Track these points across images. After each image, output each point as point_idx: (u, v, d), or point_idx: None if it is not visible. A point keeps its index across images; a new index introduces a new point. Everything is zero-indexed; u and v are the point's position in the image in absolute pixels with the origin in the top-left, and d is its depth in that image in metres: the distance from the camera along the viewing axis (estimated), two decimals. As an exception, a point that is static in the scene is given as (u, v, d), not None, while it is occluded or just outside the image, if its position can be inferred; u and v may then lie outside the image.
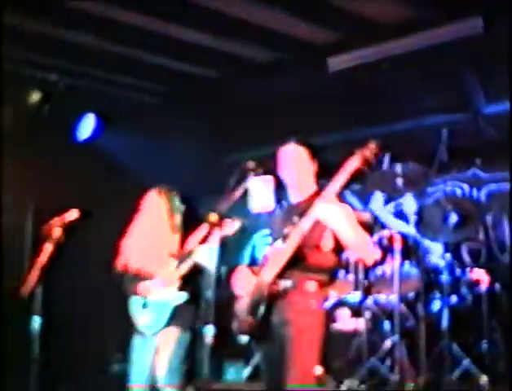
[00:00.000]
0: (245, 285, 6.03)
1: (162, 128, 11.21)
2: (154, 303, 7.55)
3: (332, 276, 6.20)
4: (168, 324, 7.61)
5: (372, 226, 9.84)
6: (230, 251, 6.47)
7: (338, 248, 5.92)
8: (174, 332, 7.57)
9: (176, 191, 7.99)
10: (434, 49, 9.31)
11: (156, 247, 7.77)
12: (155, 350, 7.62)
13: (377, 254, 6.18)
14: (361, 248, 5.89)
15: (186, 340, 7.62)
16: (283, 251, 5.83)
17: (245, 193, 6.26)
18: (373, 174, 9.24)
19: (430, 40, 9.30)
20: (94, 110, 10.77)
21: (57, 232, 8.03)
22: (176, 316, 7.59)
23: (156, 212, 7.85)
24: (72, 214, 8.10)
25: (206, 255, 6.63)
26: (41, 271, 7.99)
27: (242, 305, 6.01)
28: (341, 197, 5.87)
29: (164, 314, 7.59)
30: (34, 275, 7.98)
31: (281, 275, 5.84)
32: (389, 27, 9.53)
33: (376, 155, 5.80)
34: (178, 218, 7.81)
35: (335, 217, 5.70)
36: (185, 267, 7.53)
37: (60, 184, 10.14)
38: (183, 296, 7.49)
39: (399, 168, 9.07)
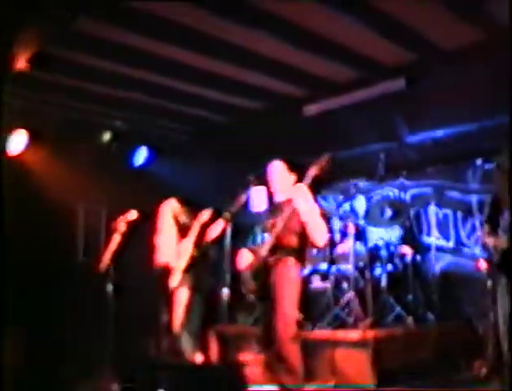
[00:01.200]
0: (247, 261, 6.16)
1: (192, 157, 11.24)
2: None
3: (305, 253, 6.32)
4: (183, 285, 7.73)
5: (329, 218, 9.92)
6: (238, 237, 6.54)
7: (306, 234, 6.06)
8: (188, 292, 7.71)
9: (189, 200, 8.09)
10: (374, 99, 9.37)
11: (169, 244, 7.88)
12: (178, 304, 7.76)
13: (325, 239, 6.30)
14: (316, 231, 5.97)
15: (201, 298, 7.73)
16: (271, 235, 5.97)
17: (249, 198, 6.38)
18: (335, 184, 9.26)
19: (371, 93, 9.36)
20: (146, 144, 10.78)
21: (122, 227, 8.17)
22: (188, 280, 7.71)
23: (167, 217, 7.96)
24: (133, 215, 8.23)
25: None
26: (112, 254, 8.14)
27: (246, 274, 6.14)
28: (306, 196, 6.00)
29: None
30: (107, 256, 8.11)
31: (271, 252, 5.99)
32: (342, 84, 9.63)
33: (327, 165, 5.97)
34: (184, 220, 7.90)
35: (305, 201, 5.85)
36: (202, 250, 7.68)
37: (123, 195, 10.17)
38: None
39: (352, 183, 9.11)
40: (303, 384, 6.02)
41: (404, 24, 7.77)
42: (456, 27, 7.79)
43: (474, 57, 8.18)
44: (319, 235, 6.03)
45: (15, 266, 9.09)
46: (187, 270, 7.81)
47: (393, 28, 7.86)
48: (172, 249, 7.93)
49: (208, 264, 7.84)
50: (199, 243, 7.76)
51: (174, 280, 7.85)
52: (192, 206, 8.09)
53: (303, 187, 5.96)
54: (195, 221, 7.90)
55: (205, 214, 7.33)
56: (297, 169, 6.38)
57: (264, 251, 6.02)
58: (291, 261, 6.03)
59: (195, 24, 7.70)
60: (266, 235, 6.10)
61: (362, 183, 9.48)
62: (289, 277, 5.99)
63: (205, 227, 7.62)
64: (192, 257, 7.79)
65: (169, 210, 8.03)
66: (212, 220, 7.10)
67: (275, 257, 5.99)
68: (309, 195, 5.99)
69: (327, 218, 9.05)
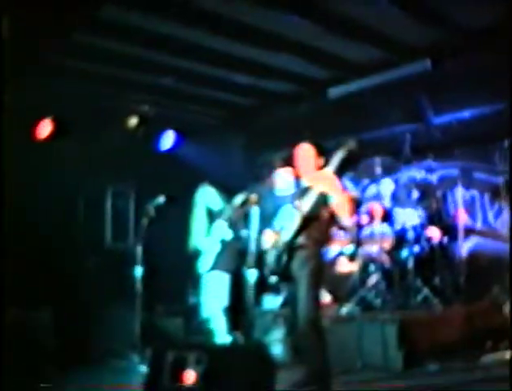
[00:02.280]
0: (271, 243, 6.23)
1: (221, 141, 11.31)
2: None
3: (331, 234, 6.39)
4: (213, 268, 7.86)
5: (360, 201, 9.96)
6: (264, 220, 6.59)
7: (332, 216, 6.12)
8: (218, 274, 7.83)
9: (219, 184, 8.18)
10: (400, 80, 9.43)
11: (198, 225, 8.01)
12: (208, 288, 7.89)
13: (351, 215, 6.36)
14: (342, 208, 6.01)
15: (226, 281, 7.85)
16: (296, 219, 6.04)
17: (275, 179, 6.43)
18: (361, 166, 9.29)
19: (397, 75, 9.40)
20: (174, 128, 10.86)
21: (151, 211, 8.30)
22: (220, 262, 7.83)
23: (200, 201, 8.07)
24: (160, 199, 8.35)
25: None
26: (141, 236, 8.27)
27: (271, 256, 6.21)
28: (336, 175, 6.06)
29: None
30: (137, 239, 8.26)
31: (297, 235, 6.06)
32: (368, 66, 9.67)
33: (354, 148, 6.01)
34: (217, 204, 8.01)
35: (331, 185, 5.90)
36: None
37: (152, 178, 10.27)
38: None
39: (379, 160, 9.11)
40: (330, 365, 6.09)
41: (430, 4, 7.80)
42: (482, 7, 7.79)
43: (499, 37, 8.15)
44: (346, 212, 6.09)
45: (44, 250, 9.25)
46: (219, 252, 7.92)
47: (419, 9, 7.88)
48: (204, 233, 8.05)
49: (237, 246, 7.92)
50: (231, 226, 7.86)
51: (206, 263, 7.97)
52: (225, 191, 8.18)
53: (329, 173, 5.99)
54: (227, 205, 7.99)
55: (239, 198, 7.40)
56: (325, 152, 6.41)
57: (289, 233, 6.09)
58: (316, 243, 6.10)
59: (223, 10, 7.78)
60: (292, 217, 6.15)
61: (388, 162, 9.41)
62: (313, 259, 6.06)
63: (237, 211, 7.70)
64: (224, 240, 7.91)
65: (203, 194, 8.13)
66: (244, 204, 7.16)
67: (301, 240, 6.05)
68: (335, 180, 6.02)
69: (354, 201, 9.13)
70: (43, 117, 9.37)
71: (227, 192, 8.15)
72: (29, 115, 9.05)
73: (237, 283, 7.80)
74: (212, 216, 8.12)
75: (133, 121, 10.35)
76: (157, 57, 9.12)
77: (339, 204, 5.97)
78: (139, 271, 8.29)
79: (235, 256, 7.95)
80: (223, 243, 7.97)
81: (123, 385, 7.01)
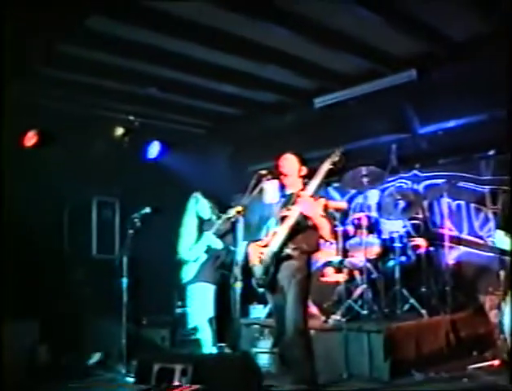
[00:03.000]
0: (256, 254, 6.26)
1: (205, 150, 11.32)
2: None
3: (318, 245, 6.43)
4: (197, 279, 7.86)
5: (346, 211, 10.00)
6: (251, 230, 6.63)
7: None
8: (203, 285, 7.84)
9: (209, 195, 8.20)
10: (385, 91, 9.46)
11: (187, 234, 8.02)
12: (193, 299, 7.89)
13: (332, 237, 6.45)
14: (324, 229, 6.09)
15: (211, 292, 7.86)
16: (283, 229, 6.08)
17: (261, 191, 6.47)
18: (347, 176, 9.30)
19: (382, 85, 9.44)
20: (159, 138, 10.87)
21: (136, 221, 8.32)
22: (204, 273, 7.83)
23: (191, 210, 8.08)
24: (146, 209, 8.38)
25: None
26: (126, 247, 8.28)
27: (258, 267, 6.25)
28: (321, 190, 6.13)
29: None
30: (122, 250, 8.26)
31: (283, 245, 6.10)
32: (353, 77, 9.72)
33: (340, 160, 6.09)
34: (205, 214, 8.02)
35: (310, 210, 5.96)
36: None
37: (137, 188, 10.28)
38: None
39: (365, 170, 9.15)
40: (315, 375, 6.11)
41: (415, 16, 7.85)
42: (467, 19, 7.87)
43: (484, 48, 8.24)
44: (326, 231, 6.17)
45: (28, 260, 9.24)
46: (204, 263, 7.92)
47: (404, 21, 7.93)
48: (192, 243, 8.05)
49: (223, 257, 7.94)
50: (219, 237, 7.88)
51: (190, 273, 7.97)
52: (216, 201, 8.20)
53: (306, 197, 6.08)
54: (217, 216, 8.01)
55: (231, 212, 7.42)
56: (308, 161, 6.49)
57: (276, 243, 6.13)
58: (303, 253, 6.14)
59: (208, 20, 7.82)
60: (278, 227, 6.19)
61: (374, 174, 9.43)
62: (301, 270, 6.10)
63: (225, 222, 7.73)
64: (210, 250, 7.92)
65: (194, 203, 8.14)
66: (231, 215, 7.19)
67: (288, 250, 6.09)
68: (312, 204, 6.09)
69: (338, 213, 9.17)
70: (28, 128, 9.36)
71: (218, 203, 8.19)
72: (14, 125, 9.05)
73: (223, 294, 7.81)
74: (201, 225, 8.13)
75: (118, 131, 10.38)
76: (143, 67, 9.13)
77: (319, 225, 6.06)
78: (124, 282, 8.30)
79: (220, 267, 7.97)
80: (209, 253, 7.97)
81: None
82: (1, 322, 7.03)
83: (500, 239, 6.98)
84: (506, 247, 6.84)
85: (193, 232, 8.09)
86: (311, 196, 6.09)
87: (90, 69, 8.94)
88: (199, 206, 8.15)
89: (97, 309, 9.68)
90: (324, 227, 6.13)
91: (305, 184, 6.27)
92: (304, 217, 6.10)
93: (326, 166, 6.11)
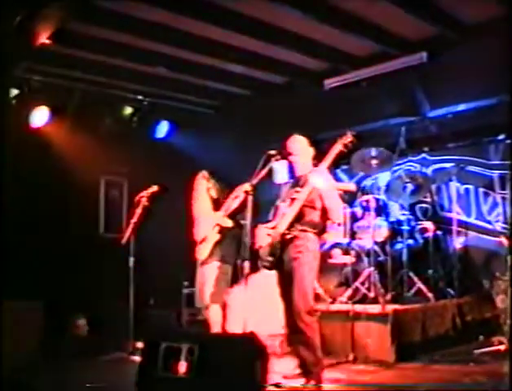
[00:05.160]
0: (265, 235, 6.28)
1: (214, 130, 11.32)
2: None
3: (324, 227, 6.44)
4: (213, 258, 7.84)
5: (355, 193, 9.98)
6: (259, 211, 6.62)
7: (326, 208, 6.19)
8: (217, 265, 7.81)
9: (216, 173, 8.17)
10: (396, 73, 9.43)
11: (203, 217, 7.99)
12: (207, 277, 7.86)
13: (341, 217, 6.45)
14: (334, 210, 6.10)
15: (227, 271, 7.83)
16: (291, 210, 6.09)
17: (270, 171, 6.48)
18: (355, 157, 9.29)
19: (392, 67, 9.41)
20: (168, 118, 10.87)
21: (144, 200, 8.34)
22: (218, 252, 7.81)
23: (201, 190, 8.05)
24: (154, 188, 8.39)
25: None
26: (134, 227, 8.30)
27: (264, 248, 6.27)
28: (330, 172, 6.13)
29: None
30: (129, 229, 8.27)
31: (290, 227, 6.11)
32: (364, 58, 9.72)
33: (351, 142, 6.09)
34: (214, 193, 7.99)
35: (325, 183, 5.97)
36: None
37: (145, 167, 10.28)
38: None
39: (374, 152, 9.13)
40: (321, 357, 6.14)
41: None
42: (478, 1, 7.84)
43: (495, 31, 8.18)
44: (335, 213, 6.17)
45: (36, 240, 9.27)
46: (218, 243, 7.91)
47: (415, 2, 7.91)
48: (204, 222, 8.02)
49: (235, 237, 7.92)
50: (230, 216, 7.86)
51: (204, 253, 7.94)
52: (222, 180, 8.18)
53: (322, 169, 6.07)
54: (225, 195, 8.00)
55: (239, 190, 7.41)
56: (316, 142, 6.49)
57: (284, 225, 6.14)
58: (310, 234, 6.15)
59: (219, 0, 7.81)
60: (286, 208, 6.20)
61: (383, 156, 9.42)
62: (308, 251, 6.11)
63: (235, 202, 7.73)
64: (223, 230, 7.90)
65: (203, 183, 8.10)
66: (242, 194, 7.19)
67: (295, 231, 6.10)
68: (327, 177, 6.10)
69: (347, 195, 9.15)
70: (37, 105, 9.37)
71: (227, 183, 8.16)
72: (23, 103, 9.07)
73: (235, 274, 7.81)
74: (211, 205, 8.10)
75: (127, 111, 10.40)
76: (152, 46, 9.13)
77: (330, 204, 6.06)
78: (132, 262, 8.33)
79: (234, 246, 7.94)
80: (222, 232, 7.95)
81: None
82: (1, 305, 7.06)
83: None
84: None
85: (203, 212, 8.05)
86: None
87: (99, 48, 8.97)
88: (207, 185, 8.10)
89: (104, 289, 9.73)
90: (334, 208, 6.13)
91: (314, 165, 6.26)
92: (313, 198, 6.11)
93: (337, 148, 6.11)
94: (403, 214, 9.43)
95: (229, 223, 7.86)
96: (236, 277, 7.67)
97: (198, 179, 8.11)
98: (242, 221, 7.60)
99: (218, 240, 7.86)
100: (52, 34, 7.79)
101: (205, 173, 8.12)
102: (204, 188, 8.06)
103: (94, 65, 9.56)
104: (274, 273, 6.34)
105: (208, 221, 7.91)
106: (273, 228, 6.27)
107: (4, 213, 7.74)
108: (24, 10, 7.00)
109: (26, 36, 7.54)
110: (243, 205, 6.76)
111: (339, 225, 9.24)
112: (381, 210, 9.61)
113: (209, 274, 7.81)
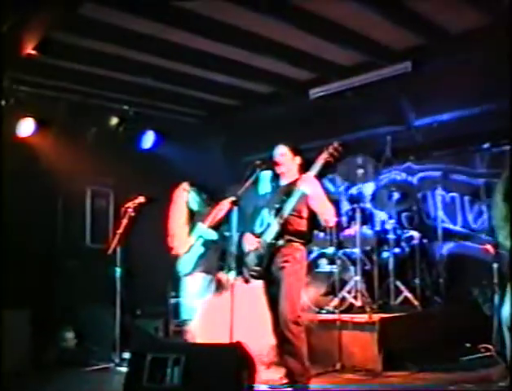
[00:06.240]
0: (251, 245, 6.27)
1: (200, 140, 11.31)
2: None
3: (311, 236, 6.45)
4: (195, 270, 7.86)
5: (340, 203, 9.99)
6: (245, 221, 6.62)
7: (313, 217, 6.18)
8: (201, 276, 7.83)
9: (198, 185, 8.18)
10: (381, 82, 9.44)
11: (179, 227, 8.01)
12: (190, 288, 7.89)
13: (335, 218, 6.43)
14: (327, 212, 6.09)
15: (211, 282, 7.84)
16: (278, 219, 6.08)
17: (256, 181, 6.48)
18: (341, 166, 9.33)
19: (378, 76, 9.43)
20: (153, 128, 10.84)
21: (130, 211, 8.33)
22: (202, 264, 7.83)
23: (179, 202, 8.07)
24: (140, 199, 8.38)
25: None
26: (120, 237, 8.28)
27: (251, 258, 6.26)
28: (317, 179, 6.12)
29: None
30: (116, 240, 8.25)
31: (278, 236, 6.10)
32: (349, 68, 9.71)
33: (337, 151, 6.07)
34: (197, 205, 8.02)
35: (314, 189, 5.96)
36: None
37: (131, 178, 10.25)
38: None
39: (360, 161, 9.16)
40: (308, 367, 6.12)
41: (412, 8, 7.85)
42: (462, 11, 7.87)
43: (479, 41, 8.24)
44: (329, 214, 6.16)
45: (22, 250, 9.21)
46: (201, 254, 7.91)
47: (400, 12, 7.93)
48: (184, 234, 8.02)
49: (218, 248, 7.92)
50: (214, 228, 7.86)
51: (187, 264, 7.95)
52: (205, 191, 8.18)
53: (311, 176, 6.06)
54: (209, 206, 8.00)
55: (224, 203, 7.42)
56: (302, 152, 6.49)
57: (270, 234, 6.14)
58: (297, 244, 6.14)
59: (203, 10, 7.80)
60: (272, 218, 6.19)
61: (369, 164, 9.45)
62: (296, 261, 6.09)
63: (219, 213, 7.73)
64: (207, 241, 7.90)
65: (183, 195, 8.11)
66: (226, 205, 7.21)
67: (281, 241, 6.09)
68: (316, 183, 6.10)
69: (334, 202, 9.16)
70: (23, 116, 9.33)
71: (208, 193, 8.17)
72: (9, 113, 9.02)
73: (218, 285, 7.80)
74: (192, 216, 8.11)
75: (113, 121, 10.36)
76: (137, 56, 9.12)
77: (321, 207, 6.04)
78: (118, 272, 8.31)
79: (217, 258, 7.95)
80: (205, 244, 7.95)
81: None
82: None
83: None
84: None
85: (184, 224, 8.05)
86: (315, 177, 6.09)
87: (84, 58, 8.94)
88: (188, 197, 8.11)
89: (91, 300, 9.68)
90: (326, 210, 6.11)
91: (300, 175, 6.24)
92: (301, 206, 6.11)
93: (323, 157, 6.10)
94: (389, 223, 9.43)
95: (213, 235, 7.87)
96: (221, 287, 7.68)
97: (178, 191, 8.12)
98: (227, 233, 7.64)
99: (201, 252, 7.88)
100: (38, 44, 7.76)
101: (185, 185, 8.13)
102: (183, 201, 8.08)
103: (80, 75, 9.54)
104: (261, 282, 6.33)
105: (184, 233, 7.95)
106: (259, 237, 6.26)
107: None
108: (9, 19, 6.95)
109: (12, 45, 7.51)
110: (228, 216, 6.77)
111: (325, 234, 9.29)
112: (367, 219, 9.59)
113: (192, 285, 7.83)
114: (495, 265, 7.37)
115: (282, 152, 6.38)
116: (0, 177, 7.99)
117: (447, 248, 9.75)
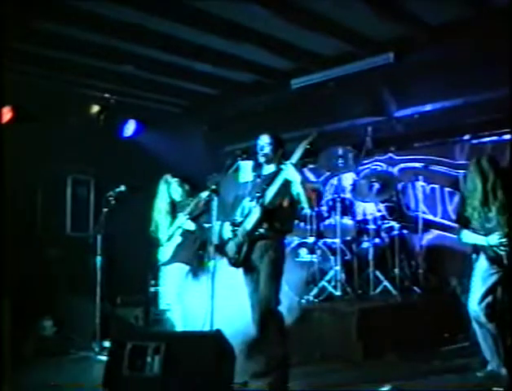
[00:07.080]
0: (230, 233, 6.28)
1: (181, 130, 11.29)
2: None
3: (292, 225, 6.45)
4: (173, 260, 7.88)
5: (321, 192, 10.01)
6: (225, 210, 6.62)
7: (293, 206, 6.18)
8: (179, 266, 7.85)
9: (180, 175, 8.19)
10: (363, 73, 9.44)
11: (162, 218, 8.03)
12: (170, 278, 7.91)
13: (315, 205, 6.46)
14: (307, 199, 6.07)
15: (189, 272, 7.87)
16: (258, 208, 6.08)
17: (237, 170, 6.49)
18: (322, 156, 9.34)
19: (359, 67, 9.41)
20: (135, 117, 10.81)
21: (111, 199, 8.30)
22: (180, 254, 7.85)
23: (162, 193, 8.09)
24: (121, 188, 8.36)
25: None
26: (101, 226, 8.25)
27: (230, 246, 6.26)
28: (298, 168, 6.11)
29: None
30: (96, 229, 8.22)
31: (257, 225, 6.10)
32: (331, 58, 9.69)
33: (316, 140, 6.07)
34: (177, 196, 8.04)
35: (295, 177, 5.96)
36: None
37: (112, 166, 10.23)
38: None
39: (340, 151, 9.19)
40: (288, 356, 6.13)
41: (394, -1, 7.87)
42: (445, 3, 7.87)
43: (461, 33, 8.26)
44: (309, 201, 6.14)
45: (1, 239, 9.15)
46: (180, 244, 7.92)
47: (382, 3, 7.92)
48: (165, 224, 8.04)
49: (197, 238, 7.93)
50: (193, 218, 7.86)
51: (165, 254, 7.97)
52: (187, 182, 8.18)
53: (292, 164, 6.05)
54: (190, 197, 8.00)
55: (204, 194, 7.42)
56: (284, 141, 6.48)
57: (250, 222, 6.14)
58: (277, 233, 6.15)
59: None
60: (253, 206, 6.18)
61: (350, 155, 9.47)
62: (276, 249, 6.10)
63: (199, 203, 7.73)
64: (185, 231, 7.90)
65: (165, 185, 8.12)
66: (206, 196, 7.21)
67: (262, 229, 6.09)
68: (297, 172, 6.09)
69: (315, 192, 9.17)
70: (3, 104, 9.26)
71: (189, 183, 8.17)
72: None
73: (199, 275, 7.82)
74: (174, 207, 8.11)
75: (94, 109, 10.32)
76: (119, 45, 9.05)
77: (302, 195, 6.04)
78: (99, 261, 8.29)
79: (195, 248, 7.96)
80: (184, 234, 7.95)
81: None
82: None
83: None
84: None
85: (166, 215, 8.06)
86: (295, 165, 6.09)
87: (65, 46, 8.86)
88: (170, 188, 8.11)
89: (71, 288, 9.65)
90: (307, 196, 6.08)
91: (281, 164, 6.23)
92: (281, 195, 6.10)
93: (303, 146, 6.10)
94: (375, 213, 9.50)
95: (192, 226, 7.87)
96: (200, 276, 7.69)
97: (161, 182, 8.14)
98: (206, 224, 7.65)
99: (179, 242, 7.90)
100: (18, 32, 7.70)
101: (168, 176, 8.15)
102: (165, 191, 8.09)
103: (61, 63, 9.46)
104: (240, 271, 6.33)
105: (166, 224, 7.97)
106: (239, 226, 6.26)
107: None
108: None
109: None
110: (208, 206, 6.77)
111: (306, 223, 9.31)
112: (348, 209, 9.62)
113: (171, 275, 7.86)
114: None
115: (264, 141, 6.37)
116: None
117: (426, 238, 9.80)
